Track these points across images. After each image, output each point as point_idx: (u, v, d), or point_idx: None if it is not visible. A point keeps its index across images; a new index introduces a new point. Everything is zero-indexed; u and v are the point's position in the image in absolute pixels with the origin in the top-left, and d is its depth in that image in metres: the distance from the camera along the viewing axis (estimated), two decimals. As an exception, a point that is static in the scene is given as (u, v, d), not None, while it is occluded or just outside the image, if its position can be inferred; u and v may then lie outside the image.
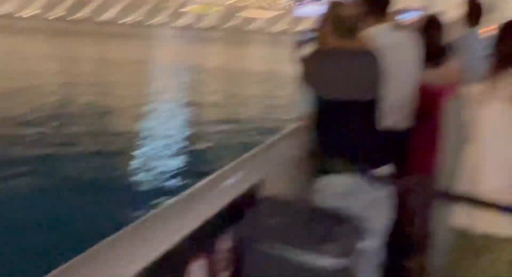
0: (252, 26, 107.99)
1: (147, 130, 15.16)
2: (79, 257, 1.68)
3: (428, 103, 4.48)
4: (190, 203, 2.46)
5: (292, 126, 3.84)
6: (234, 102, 21.00)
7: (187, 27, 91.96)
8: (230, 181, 2.87)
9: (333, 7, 3.61)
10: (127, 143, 13.39)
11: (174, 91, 22.84)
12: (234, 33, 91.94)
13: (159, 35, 69.68)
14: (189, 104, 19.82)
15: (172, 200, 2.29)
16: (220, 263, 2.72)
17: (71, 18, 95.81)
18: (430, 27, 4.86)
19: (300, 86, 3.57)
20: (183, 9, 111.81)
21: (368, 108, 3.60)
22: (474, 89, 3.19)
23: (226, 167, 2.89)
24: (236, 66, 34.97)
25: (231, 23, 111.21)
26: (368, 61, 3.62)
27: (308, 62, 3.60)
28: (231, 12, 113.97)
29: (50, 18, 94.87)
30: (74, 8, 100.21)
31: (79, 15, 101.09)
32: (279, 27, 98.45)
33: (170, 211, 2.27)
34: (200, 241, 2.48)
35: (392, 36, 4.14)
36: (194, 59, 37.67)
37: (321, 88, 3.54)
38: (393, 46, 4.03)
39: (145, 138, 14.13)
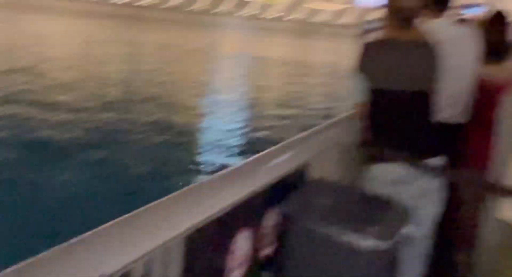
0: (317, 18, 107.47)
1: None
2: (141, 209, 1.81)
3: (486, 98, 4.46)
4: (241, 175, 2.56)
5: (345, 113, 3.89)
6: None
7: (252, 17, 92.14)
8: (280, 159, 2.95)
9: None
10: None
11: (243, 81, 23.10)
12: (299, 24, 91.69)
13: (224, 24, 70.08)
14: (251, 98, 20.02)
15: (224, 171, 2.39)
16: (265, 237, 2.81)
17: (138, 3, 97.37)
18: (495, 23, 4.81)
19: (355, 74, 3.61)
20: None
21: (423, 99, 3.61)
22: None
23: (277, 146, 2.97)
24: (303, 57, 34.98)
25: (296, 14, 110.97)
26: (425, 53, 3.63)
27: (364, 51, 3.62)
28: (297, 3, 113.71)
29: (119, 3, 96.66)
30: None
31: (146, 1, 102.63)
32: (344, 19, 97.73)
33: (222, 181, 2.37)
34: (247, 213, 2.57)
35: (451, 30, 4.13)
36: (260, 49, 37.81)
37: (376, 77, 3.57)
38: (452, 40, 4.03)
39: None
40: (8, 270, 1.29)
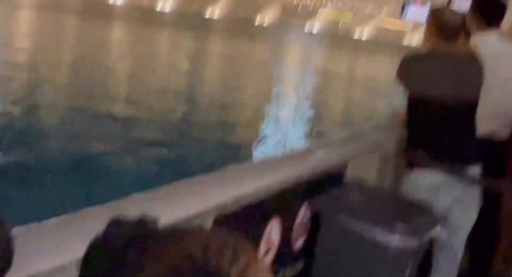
0: (383, 36, 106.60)
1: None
2: (173, 185, 1.99)
3: None
4: (281, 166, 2.71)
5: (387, 119, 4.01)
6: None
7: (319, 31, 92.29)
8: (320, 156, 3.10)
9: (436, 11, 3.76)
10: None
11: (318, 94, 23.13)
12: (367, 42, 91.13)
13: (291, 37, 70.41)
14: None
15: (265, 159, 2.56)
16: (297, 229, 2.97)
17: (206, 16, 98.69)
18: None
19: (399, 84, 3.72)
20: (316, 14, 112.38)
21: (465, 110, 3.70)
22: None
23: (319, 144, 3.13)
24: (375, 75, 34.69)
25: (365, 31, 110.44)
26: (470, 66, 3.72)
27: (407, 62, 3.73)
28: (363, 20, 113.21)
29: (183, 12, 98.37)
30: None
31: (215, 12, 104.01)
32: (411, 38, 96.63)
33: (260, 167, 2.53)
34: (281, 203, 2.74)
35: (499, 45, 4.18)
36: (327, 64, 37.76)
37: (420, 88, 3.67)
38: (499, 55, 4.08)
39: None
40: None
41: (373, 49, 67.27)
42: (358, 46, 68.93)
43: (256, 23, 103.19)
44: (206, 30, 58.38)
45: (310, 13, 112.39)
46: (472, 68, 3.73)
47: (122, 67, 23.27)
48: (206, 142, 12.45)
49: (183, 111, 15.86)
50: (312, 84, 26.81)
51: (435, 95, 3.63)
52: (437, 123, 3.67)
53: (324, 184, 3.12)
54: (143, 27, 50.25)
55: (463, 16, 3.77)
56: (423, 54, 3.75)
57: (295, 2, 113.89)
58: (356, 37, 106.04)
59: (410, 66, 3.70)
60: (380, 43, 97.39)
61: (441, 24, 3.67)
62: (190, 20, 73.65)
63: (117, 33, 42.69)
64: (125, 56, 27.89)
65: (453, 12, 3.78)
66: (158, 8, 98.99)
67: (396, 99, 3.78)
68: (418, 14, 3.79)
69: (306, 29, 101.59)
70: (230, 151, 11.80)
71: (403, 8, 3.95)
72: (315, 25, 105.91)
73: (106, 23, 48.69)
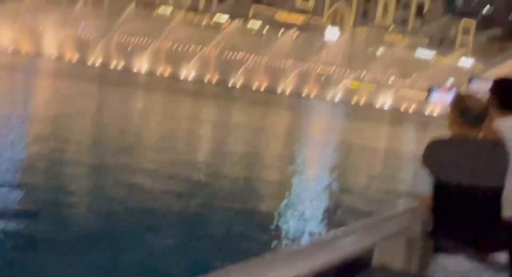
0: (404, 106, 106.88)
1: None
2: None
3: None
4: (306, 254, 2.72)
5: (411, 203, 4.03)
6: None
7: (340, 101, 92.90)
8: (346, 242, 3.10)
9: (459, 97, 3.84)
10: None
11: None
12: (389, 112, 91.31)
13: (311, 107, 70.90)
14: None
15: (288, 247, 2.58)
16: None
17: (230, 84, 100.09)
18: None
19: (423, 168, 3.76)
20: (337, 83, 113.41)
21: (490, 196, 3.72)
22: None
23: (342, 228, 3.14)
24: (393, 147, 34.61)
25: (383, 101, 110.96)
26: (495, 151, 3.76)
27: (432, 147, 3.79)
28: (385, 90, 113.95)
29: (209, 81, 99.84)
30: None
31: (239, 82, 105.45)
32: (432, 109, 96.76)
33: (284, 257, 2.54)
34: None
35: None
36: (348, 136, 37.62)
37: (445, 173, 3.70)
38: None
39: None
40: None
41: (395, 120, 67.43)
42: (380, 116, 69.06)
43: (279, 92, 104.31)
44: (231, 99, 59.17)
45: (332, 82, 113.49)
46: (496, 153, 3.77)
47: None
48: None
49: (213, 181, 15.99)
50: (338, 158, 26.68)
51: (459, 181, 3.67)
52: (462, 208, 3.69)
53: (351, 270, 3.12)
54: (171, 95, 51.11)
55: (487, 103, 3.83)
56: (447, 140, 3.81)
57: (318, 70, 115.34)
58: (378, 106, 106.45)
59: (435, 152, 3.76)
60: (402, 113, 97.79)
61: (464, 111, 3.75)
62: (213, 89, 74.71)
63: (157, 102, 43.39)
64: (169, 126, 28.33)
65: (477, 98, 3.82)
66: (182, 77, 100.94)
67: (421, 180, 3.80)
68: (444, 99, 3.80)
69: (328, 98, 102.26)
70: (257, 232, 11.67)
71: (429, 91, 4.00)
72: (337, 94, 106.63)
73: (132, 91, 49.60)
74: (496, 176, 3.72)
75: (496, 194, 3.72)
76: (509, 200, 3.82)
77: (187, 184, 15.21)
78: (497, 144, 3.80)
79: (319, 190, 17.64)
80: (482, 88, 4.32)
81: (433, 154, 3.76)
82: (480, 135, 3.77)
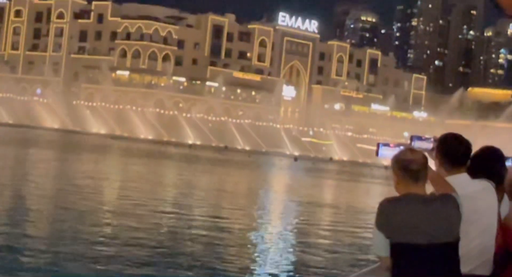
0: (372, 159, 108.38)
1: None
2: None
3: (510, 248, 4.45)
4: None
5: (371, 266, 4.10)
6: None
7: (299, 156, 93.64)
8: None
9: (398, 155, 3.85)
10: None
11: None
12: (351, 165, 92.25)
13: (273, 164, 71.23)
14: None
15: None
16: None
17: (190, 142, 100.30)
18: None
19: (378, 230, 3.77)
20: (296, 139, 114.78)
21: (446, 251, 3.77)
22: None
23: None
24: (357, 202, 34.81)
25: (349, 154, 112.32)
26: (445, 206, 3.77)
27: (384, 209, 3.79)
28: (351, 143, 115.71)
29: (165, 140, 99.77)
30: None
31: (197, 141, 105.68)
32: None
33: None
34: None
35: (470, 187, 4.29)
36: (310, 192, 37.68)
37: (399, 232, 3.73)
38: (471, 197, 4.18)
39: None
40: None
41: (352, 171, 68.18)
42: (338, 170, 69.78)
43: (239, 148, 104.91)
44: (191, 158, 59.18)
45: (291, 138, 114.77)
46: (447, 207, 3.79)
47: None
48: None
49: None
50: (300, 215, 26.75)
51: (414, 241, 3.71)
52: (420, 267, 3.72)
53: None
54: (126, 157, 50.86)
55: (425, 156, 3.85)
56: (397, 199, 3.82)
57: (278, 126, 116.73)
58: (337, 158, 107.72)
59: (387, 215, 3.78)
60: (359, 164, 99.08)
61: (405, 167, 3.78)
62: (173, 149, 74.43)
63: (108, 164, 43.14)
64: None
65: (415, 153, 3.84)
66: (141, 137, 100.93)
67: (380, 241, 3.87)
68: (391, 154, 4.00)
69: (288, 153, 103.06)
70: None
71: (377, 147, 4.17)
72: (296, 150, 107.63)
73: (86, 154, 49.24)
74: (449, 231, 3.77)
75: (452, 249, 3.78)
76: (466, 256, 3.91)
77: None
78: (447, 198, 3.83)
79: (281, 247, 17.65)
80: (424, 145, 4.27)
81: (386, 217, 3.78)
82: (422, 190, 3.77)
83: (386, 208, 3.79)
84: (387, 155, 4.08)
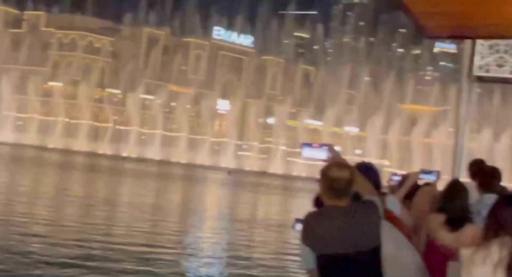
0: (296, 172, 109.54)
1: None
2: None
3: (437, 265, 4.91)
4: None
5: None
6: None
7: (233, 170, 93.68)
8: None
9: (325, 169, 3.96)
10: None
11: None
12: (279, 178, 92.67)
13: (205, 177, 70.63)
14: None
15: None
16: None
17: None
18: (453, 191, 5.22)
19: (303, 243, 3.96)
20: (230, 153, 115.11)
21: (367, 257, 3.92)
22: (470, 252, 3.56)
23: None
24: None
25: (276, 168, 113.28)
26: (364, 215, 3.93)
27: (307, 223, 3.96)
28: (274, 158, 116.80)
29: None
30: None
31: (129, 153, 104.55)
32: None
33: None
34: None
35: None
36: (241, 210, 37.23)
37: (321, 246, 3.90)
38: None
39: None
40: None
41: (285, 185, 68.59)
42: (274, 184, 70.17)
43: (173, 161, 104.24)
44: (124, 172, 58.57)
45: (225, 152, 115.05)
46: (366, 213, 3.95)
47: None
48: None
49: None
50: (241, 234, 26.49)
51: (337, 251, 3.88)
52: (345, 273, 3.91)
53: None
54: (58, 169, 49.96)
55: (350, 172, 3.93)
56: (319, 213, 4.01)
57: (211, 140, 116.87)
58: (271, 173, 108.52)
59: (310, 228, 3.94)
60: (291, 176, 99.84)
61: (331, 183, 3.91)
62: (106, 162, 73.13)
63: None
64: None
65: (342, 169, 3.92)
66: (75, 149, 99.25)
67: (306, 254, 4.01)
68: (315, 154, 4.14)
69: (222, 167, 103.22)
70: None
71: (301, 147, 4.30)
72: (231, 163, 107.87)
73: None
74: (371, 238, 3.93)
75: (374, 255, 3.94)
76: (387, 263, 4.11)
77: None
78: (367, 206, 3.99)
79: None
80: (315, 155, 4.28)
81: (309, 231, 3.92)
82: (346, 204, 3.90)
83: (309, 222, 3.94)
84: (311, 154, 4.23)
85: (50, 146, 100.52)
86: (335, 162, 4.01)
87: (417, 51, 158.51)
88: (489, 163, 6.58)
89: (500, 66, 6.64)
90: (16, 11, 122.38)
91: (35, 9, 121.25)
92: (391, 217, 4.58)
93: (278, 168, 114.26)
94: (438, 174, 5.73)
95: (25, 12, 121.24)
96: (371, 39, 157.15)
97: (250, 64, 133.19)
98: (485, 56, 6.67)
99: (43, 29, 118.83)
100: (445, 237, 5.12)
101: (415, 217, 5.48)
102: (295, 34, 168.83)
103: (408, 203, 5.62)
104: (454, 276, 4.82)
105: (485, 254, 3.50)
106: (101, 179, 47.65)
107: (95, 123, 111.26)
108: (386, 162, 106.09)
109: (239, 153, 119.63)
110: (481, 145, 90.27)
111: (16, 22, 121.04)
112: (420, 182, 5.80)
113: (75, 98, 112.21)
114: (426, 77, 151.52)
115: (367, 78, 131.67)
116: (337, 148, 4.41)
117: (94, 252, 15.83)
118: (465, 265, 3.57)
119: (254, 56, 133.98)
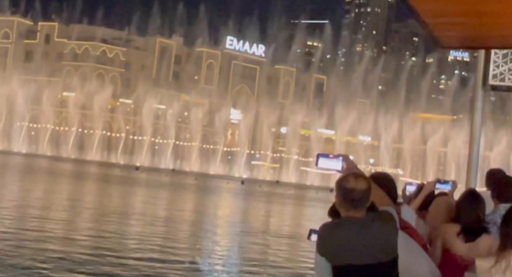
0: (309, 181, 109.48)
1: None
2: None
3: (452, 276, 4.83)
4: None
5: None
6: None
7: (246, 179, 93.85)
8: None
9: (342, 180, 3.90)
10: None
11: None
12: (294, 187, 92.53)
13: (218, 186, 70.58)
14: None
15: None
16: None
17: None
18: (472, 201, 5.17)
19: (318, 254, 3.91)
20: (243, 162, 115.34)
21: (383, 270, 3.87)
22: (488, 263, 3.57)
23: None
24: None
25: (289, 177, 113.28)
26: (381, 226, 3.89)
27: (324, 233, 3.94)
28: (287, 167, 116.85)
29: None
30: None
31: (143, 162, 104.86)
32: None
33: None
34: None
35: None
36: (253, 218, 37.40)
37: (338, 257, 3.88)
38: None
39: None
40: None
41: (297, 194, 68.37)
42: (285, 192, 70.03)
43: (187, 170, 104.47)
44: (137, 181, 58.64)
45: (238, 161, 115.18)
46: (383, 224, 3.92)
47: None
48: None
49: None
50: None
51: (354, 260, 3.85)
52: None
53: None
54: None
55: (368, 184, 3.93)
56: (336, 223, 3.97)
57: (224, 150, 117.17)
58: (284, 180, 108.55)
59: (327, 238, 3.92)
60: (304, 186, 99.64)
61: (347, 194, 3.86)
62: (119, 171, 73.25)
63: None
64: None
65: (359, 180, 3.88)
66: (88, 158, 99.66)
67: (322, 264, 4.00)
68: (329, 164, 4.11)
69: (236, 176, 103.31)
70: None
71: (317, 157, 4.22)
72: (244, 173, 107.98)
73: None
74: (387, 251, 3.89)
75: (391, 267, 3.90)
76: (403, 274, 4.04)
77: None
78: (384, 217, 3.96)
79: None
80: (330, 166, 4.21)
81: (325, 241, 3.90)
82: (362, 215, 3.88)
83: (325, 233, 3.92)
84: (326, 165, 4.18)
85: (64, 156, 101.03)
86: (352, 173, 3.95)
87: (430, 60, 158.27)
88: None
89: (515, 75, 6.62)
90: (30, 22, 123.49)
91: (48, 20, 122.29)
92: (406, 228, 4.55)
93: (291, 177, 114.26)
94: (454, 184, 5.69)
95: (39, 23, 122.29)
96: (384, 47, 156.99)
97: (263, 73, 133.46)
98: (499, 65, 6.64)
99: (57, 39, 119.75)
100: (460, 247, 5.08)
101: (430, 227, 5.45)
102: (307, 43, 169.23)
103: (423, 213, 5.61)
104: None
105: (505, 265, 3.45)
106: (115, 189, 47.68)
107: (108, 133, 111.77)
108: (399, 171, 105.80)
109: (252, 162, 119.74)
110: (496, 154, 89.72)
111: (30, 33, 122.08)
112: (435, 192, 5.75)
113: (88, 108, 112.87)
114: (440, 86, 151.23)
115: (380, 87, 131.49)
116: (350, 157, 4.33)
117: (105, 268, 15.73)
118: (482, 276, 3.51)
119: (266, 66, 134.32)
